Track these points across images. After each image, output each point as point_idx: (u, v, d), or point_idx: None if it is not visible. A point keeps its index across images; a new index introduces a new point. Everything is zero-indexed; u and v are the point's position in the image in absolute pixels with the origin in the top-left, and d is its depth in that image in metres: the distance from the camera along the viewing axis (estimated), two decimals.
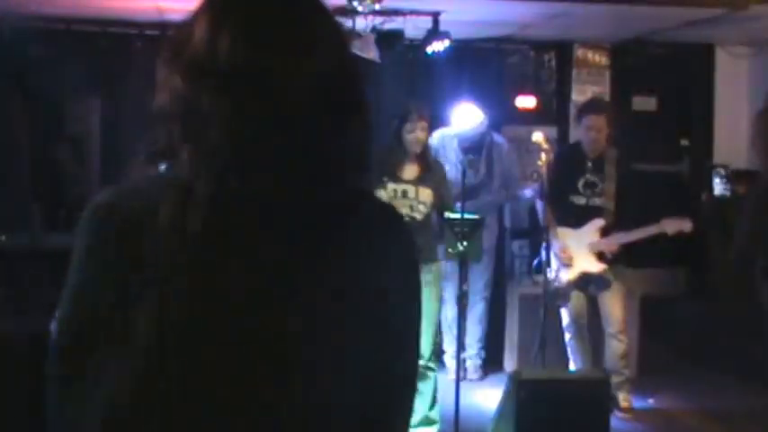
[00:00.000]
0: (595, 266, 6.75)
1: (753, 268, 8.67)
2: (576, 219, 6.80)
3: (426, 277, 6.13)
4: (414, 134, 6.18)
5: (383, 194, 6.06)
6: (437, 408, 6.23)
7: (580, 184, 6.79)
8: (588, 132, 6.75)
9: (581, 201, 6.80)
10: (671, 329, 8.29)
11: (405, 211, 6.04)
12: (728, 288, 8.73)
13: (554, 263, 6.92)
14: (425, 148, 6.33)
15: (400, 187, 6.15)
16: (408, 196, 6.14)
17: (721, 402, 7.25)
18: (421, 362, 5.99)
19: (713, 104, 9.39)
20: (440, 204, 6.29)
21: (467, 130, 7.38)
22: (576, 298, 6.91)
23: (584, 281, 6.84)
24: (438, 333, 7.79)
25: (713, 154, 9.36)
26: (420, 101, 6.82)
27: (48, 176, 8.19)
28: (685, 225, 6.53)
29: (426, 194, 6.20)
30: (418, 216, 6.14)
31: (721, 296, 8.71)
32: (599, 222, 6.72)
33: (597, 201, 6.75)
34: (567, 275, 6.84)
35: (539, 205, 6.98)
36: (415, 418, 5.95)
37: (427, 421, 6.17)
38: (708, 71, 9.34)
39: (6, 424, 5.22)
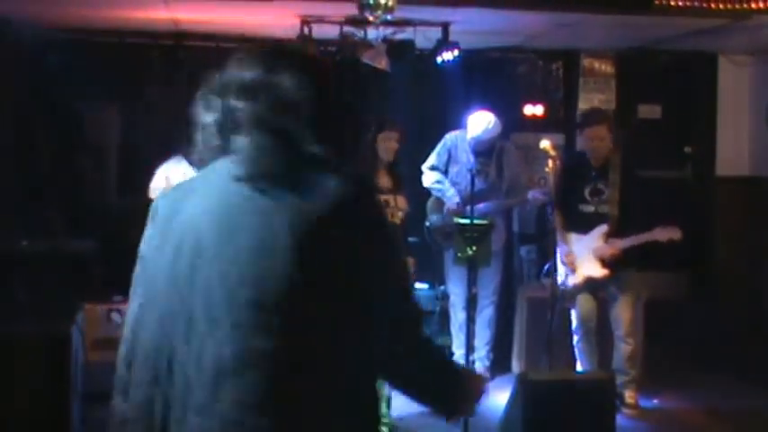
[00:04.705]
0: (599, 272, 6.90)
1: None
2: (586, 226, 6.95)
3: None
4: (387, 143, 6.76)
5: None
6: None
7: (587, 191, 6.95)
8: (591, 142, 6.92)
9: (589, 208, 6.95)
10: (674, 331, 8.39)
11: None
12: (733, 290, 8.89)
13: (562, 267, 7.09)
14: (396, 158, 6.88)
15: (383, 198, 6.70)
16: (390, 205, 6.67)
17: (724, 402, 7.34)
18: None
19: (716, 112, 9.45)
20: None
21: (481, 134, 7.54)
22: (586, 301, 7.06)
23: (591, 285, 7.02)
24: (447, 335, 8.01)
25: (716, 161, 9.46)
26: (392, 113, 7.47)
27: (68, 184, 8.30)
28: (675, 234, 6.70)
29: (402, 202, 6.97)
30: (398, 221, 6.81)
31: (724, 298, 8.85)
32: (603, 228, 6.86)
33: (605, 207, 6.89)
34: (573, 280, 7.01)
35: (553, 213, 7.16)
36: None
37: None
38: (711, 79, 9.41)
39: (27, 424, 5.35)
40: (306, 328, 2.04)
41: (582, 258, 6.95)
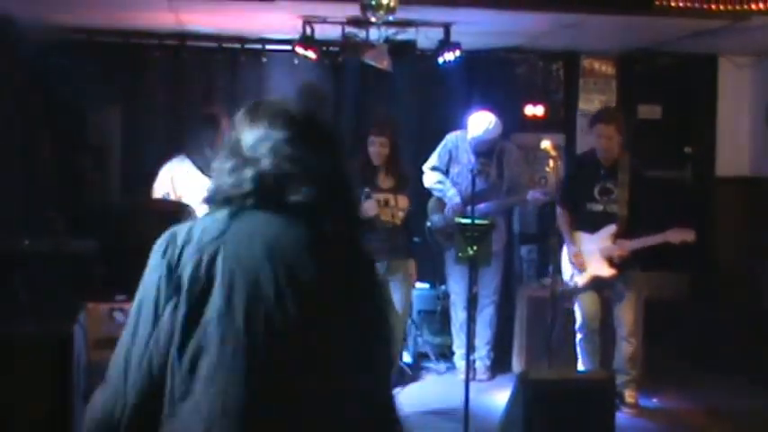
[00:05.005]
0: (606, 271, 6.94)
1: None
2: (594, 225, 6.99)
3: (400, 275, 7.04)
4: (373, 148, 6.89)
5: (371, 204, 6.63)
6: None
7: (596, 191, 6.98)
8: (599, 140, 6.95)
9: (598, 207, 6.98)
10: (674, 331, 8.43)
11: (387, 218, 6.85)
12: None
13: (568, 267, 7.12)
14: (396, 159, 6.97)
15: (382, 197, 6.80)
16: (390, 204, 6.82)
17: (724, 402, 7.39)
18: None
19: (716, 113, 9.48)
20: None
21: (482, 134, 7.59)
22: (591, 302, 7.10)
23: (597, 284, 7.05)
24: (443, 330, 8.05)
25: (716, 161, 9.49)
26: (385, 116, 7.46)
27: (70, 184, 8.31)
28: (689, 236, 6.74)
29: (404, 201, 7.03)
30: (398, 221, 6.93)
31: (724, 298, 8.86)
32: (612, 228, 6.90)
33: (614, 207, 6.93)
34: (580, 279, 7.04)
35: (558, 210, 7.20)
36: None
37: None
38: (711, 80, 9.44)
39: (29, 424, 5.37)
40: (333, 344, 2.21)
41: (589, 258, 6.98)
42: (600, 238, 6.95)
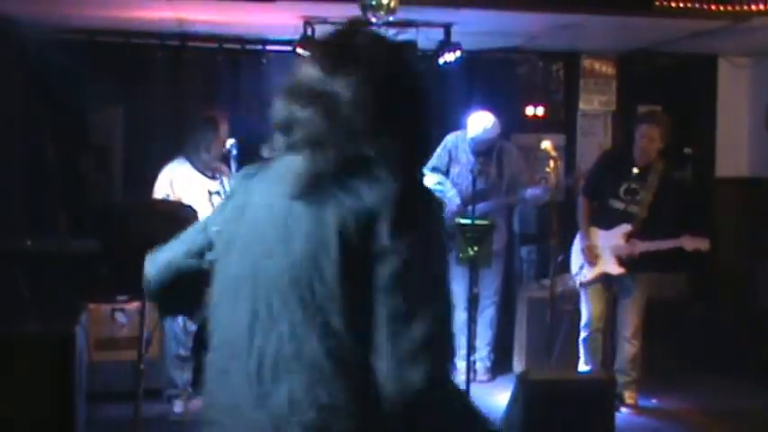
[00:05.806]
0: (615, 269, 6.95)
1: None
2: (611, 223, 7.00)
3: None
4: None
5: None
6: None
7: (622, 189, 6.97)
8: (641, 141, 6.94)
9: (620, 206, 6.98)
10: (674, 331, 8.45)
11: None
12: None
13: (577, 259, 7.13)
14: None
15: None
16: None
17: (724, 402, 7.41)
18: None
19: (716, 113, 9.50)
20: None
21: (481, 134, 7.61)
22: (599, 300, 7.11)
23: (604, 280, 7.06)
24: None
25: (716, 162, 9.51)
26: None
27: (72, 184, 8.34)
28: (703, 244, 6.75)
29: None
30: None
31: (724, 298, 8.87)
32: (626, 228, 6.90)
33: (634, 208, 6.93)
34: (589, 273, 7.05)
35: (579, 201, 7.21)
36: None
37: None
38: (711, 81, 9.46)
39: (32, 424, 5.40)
40: (347, 328, 2.08)
41: (600, 253, 6.98)
42: (613, 235, 6.95)
